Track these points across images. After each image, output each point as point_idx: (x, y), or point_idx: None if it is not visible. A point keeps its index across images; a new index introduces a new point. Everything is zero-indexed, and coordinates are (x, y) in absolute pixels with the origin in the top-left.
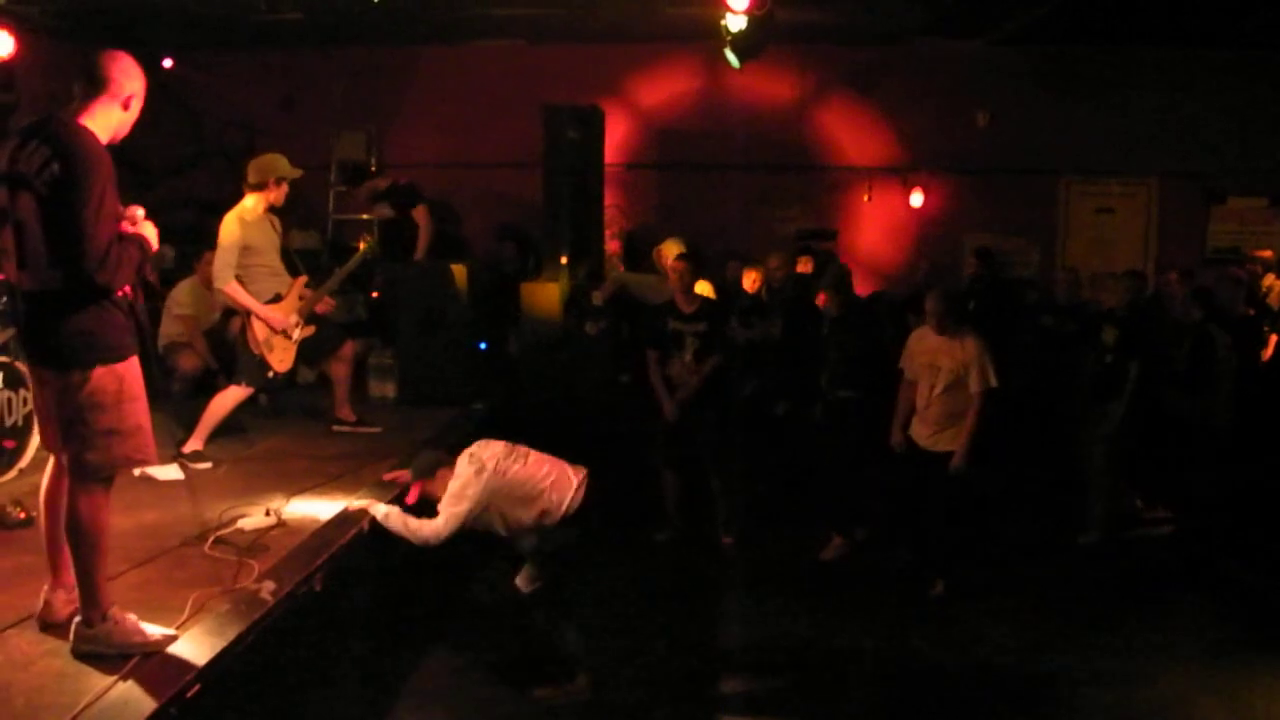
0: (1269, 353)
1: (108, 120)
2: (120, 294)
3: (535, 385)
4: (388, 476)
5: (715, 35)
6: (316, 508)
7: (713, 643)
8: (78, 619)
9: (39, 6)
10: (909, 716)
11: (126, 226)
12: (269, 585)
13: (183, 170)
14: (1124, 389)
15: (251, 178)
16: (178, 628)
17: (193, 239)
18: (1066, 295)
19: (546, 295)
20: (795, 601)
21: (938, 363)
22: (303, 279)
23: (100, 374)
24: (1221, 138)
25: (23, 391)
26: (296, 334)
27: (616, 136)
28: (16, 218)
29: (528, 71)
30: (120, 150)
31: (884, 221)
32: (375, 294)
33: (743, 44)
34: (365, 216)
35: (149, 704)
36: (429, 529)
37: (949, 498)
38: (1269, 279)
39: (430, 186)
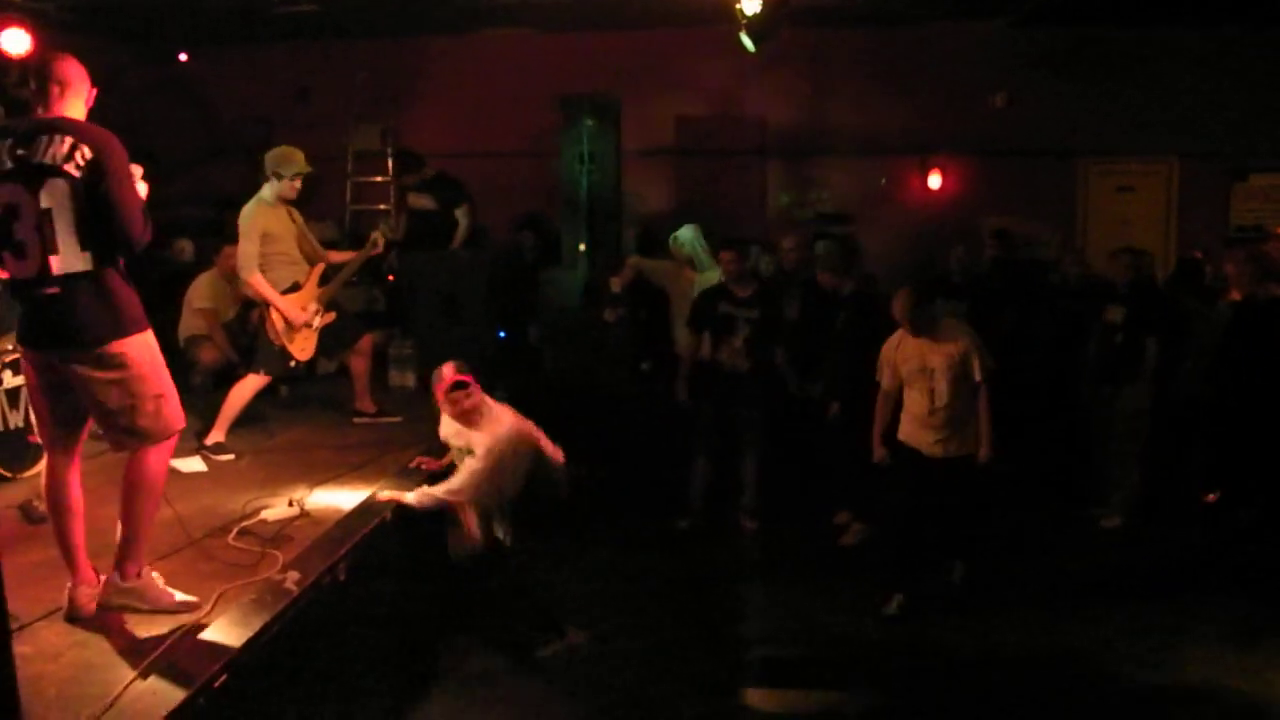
0: None
1: (77, 114)
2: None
3: (555, 373)
4: (414, 463)
5: (730, 19)
6: (339, 498)
7: (736, 633)
8: (112, 574)
9: (55, 2)
10: (931, 704)
11: None
12: (294, 575)
13: (199, 164)
14: (1140, 369)
15: (266, 170)
16: (204, 619)
17: (210, 233)
18: (1073, 276)
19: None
20: (817, 589)
21: (929, 364)
22: (321, 266)
23: (137, 342)
24: (1242, 115)
25: None
26: (317, 321)
27: (632, 123)
28: (43, 207)
29: (542, 60)
30: (136, 144)
31: (902, 204)
32: (390, 277)
33: (758, 27)
34: (411, 206)
35: (178, 694)
36: (457, 481)
37: (973, 493)
38: None
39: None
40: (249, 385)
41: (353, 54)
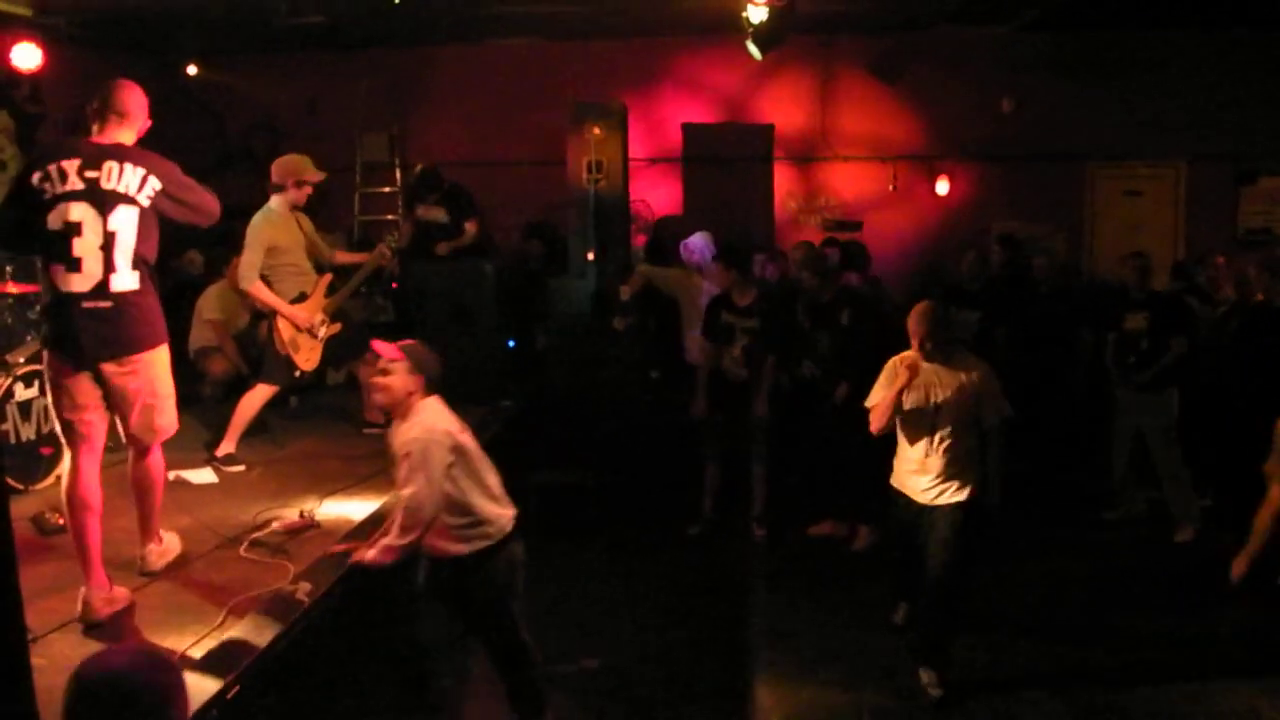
0: None
1: (127, 139)
2: None
3: (563, 382)
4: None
5: (736, 27)
6: (349, 508)
7: (745, 639)
8: (145, 550)
9: (65, 17)
10: (945, 712)
11: None
12: (305, 586)
13: (208, 176)
14: (1168, 375)
15: (273, 178)
16: (215, 629)
17: (220, 244)
18: (1049, 281)
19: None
20: (827, 596)
21: (934, 398)
22: (328, 277)
23: (162, 351)
24: (1250, 118)
25: None
26: (322, 332)
27: (640, 131)
28: (109, 230)
29: (550, 68)
30: None
31: (910, 210)
32: (394, 284)
33: (764, 35)
34: (420, 216)
35: (191, 705)
36: (400, 516)
37: (971, 540)
38: None
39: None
40: (258, 396)
41: (360, 64)
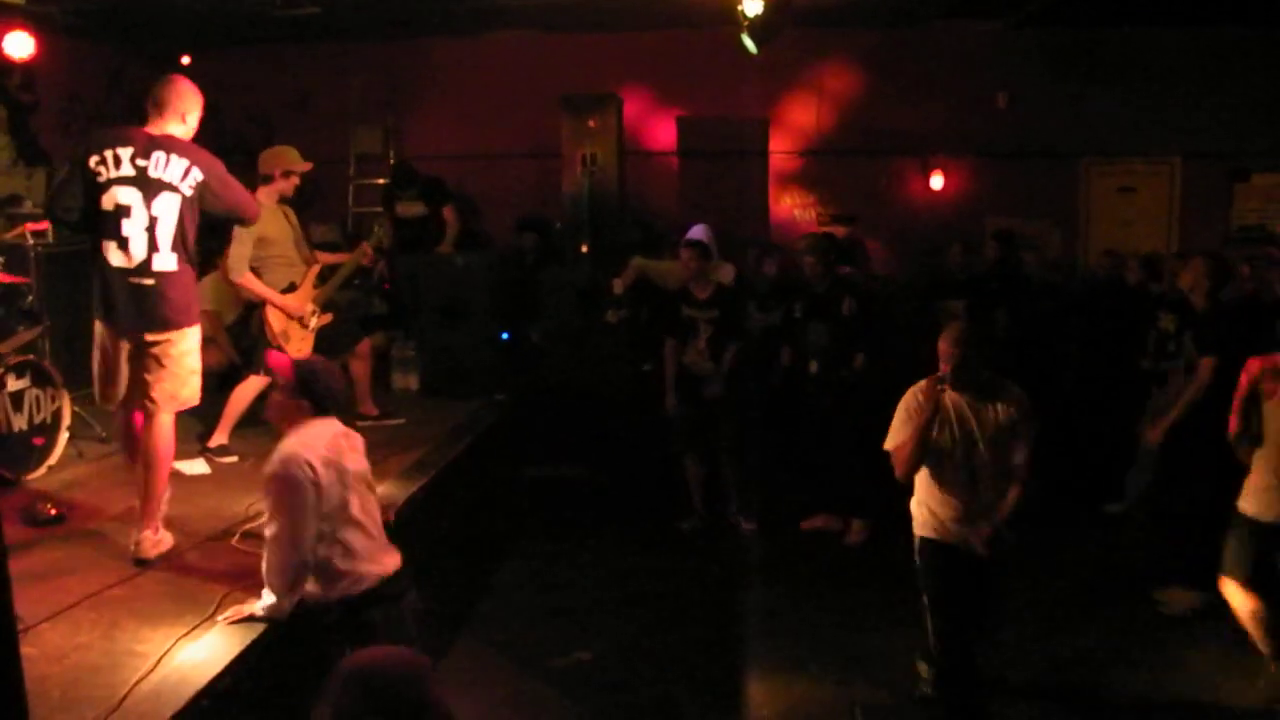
0: None
1: (178, 132)
2: None
3: (557, 375)
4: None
5: (732, 20)
6: None
7: (737, 633)
8: (140, 536)
9: (58, 6)
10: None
11: None
12: None
13: None
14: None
15: (261, 170)
16: (207, 621)
17: (214, 235)
18: (1038, 276)
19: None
20: (819, 590)
21: (968, 429)
22: (317, 267)
23: (196, 330)
24: (1244, 115)
25: (50, 390)
26: (313, 322)
27: (634, 124)
28: (153, 214)
29: (544, 61)
30: None
31: (904, 205)
32: (386, 286)
33: (759, 29)
34: (399, 214)
35: (182, 696)
36: (269, 556)
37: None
38: None
39: (449, 179)
40: (250, 387)
41: (354, 57)
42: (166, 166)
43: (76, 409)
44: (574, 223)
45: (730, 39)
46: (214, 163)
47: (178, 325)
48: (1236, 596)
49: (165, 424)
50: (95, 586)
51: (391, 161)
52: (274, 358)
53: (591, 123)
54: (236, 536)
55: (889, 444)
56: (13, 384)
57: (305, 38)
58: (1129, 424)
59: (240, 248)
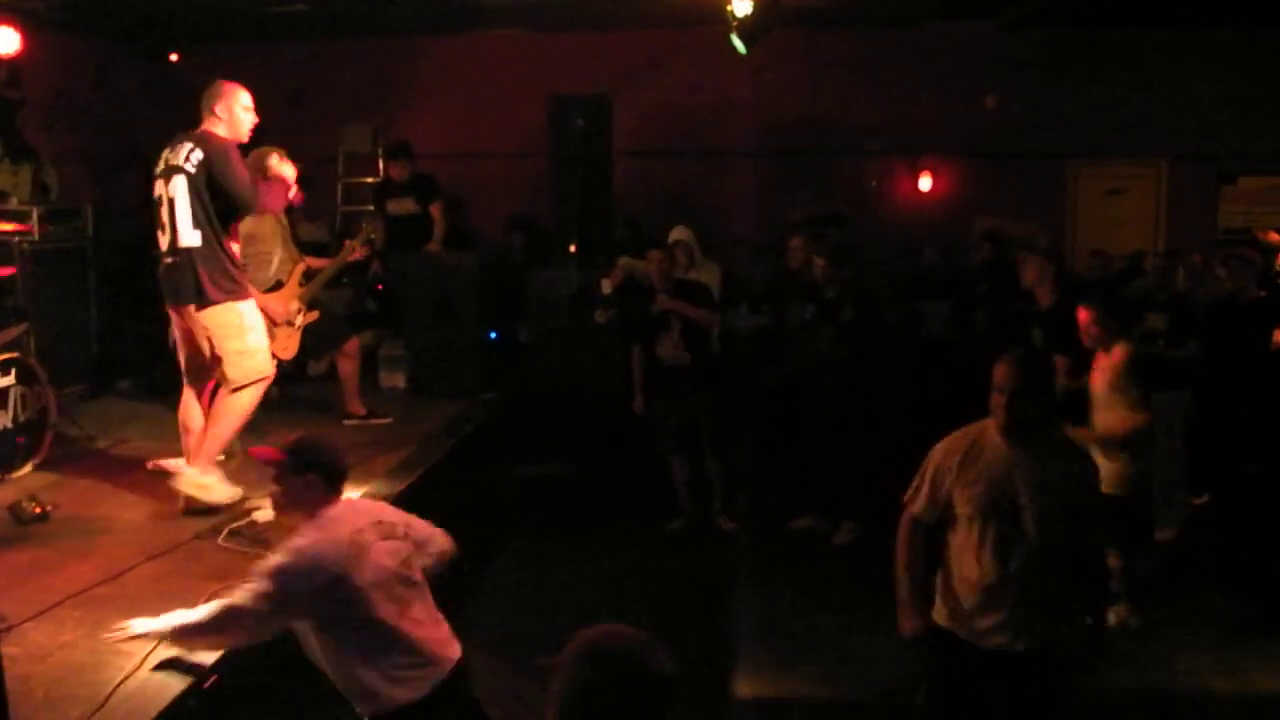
0: None
1: (219, 129)
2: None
3: (545, 375)
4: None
5: (721, 20)
6: None
7: (724, 633)
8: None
9: (45, 1)
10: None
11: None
12: None
13: None
14: (1184, 375)
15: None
16: None
17: None
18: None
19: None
20: (807, 590)
21: (1014, 496)
22: (302, 265)
23: (228, 308)
24: (1231, 118)
25: (35, 387)
26: (299, 320)
27: (623, 124)
28: (169, 197)
29: (534, 61)
30: (130, 145)
31: (893, 205)
32: (379, 286)
33: (749, 29)
34: (391, 212)
35: (167, 695)
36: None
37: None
38: None
39: (438, 178)
40: None
41: (345, 55)
42: (182, 154)
43: (62, 406)
44: (562, 222)
45: (720, 39)
46: (222, 148)
47: (199, 302)
48: None
49: (229, 396)
50: (80, 585)
51: (382, 158)
52: (254, 450)
53: (580, 122)
54: (222, 535)
55: (906, 495)
56: None
57: (296, 35)
58: None
59: None
